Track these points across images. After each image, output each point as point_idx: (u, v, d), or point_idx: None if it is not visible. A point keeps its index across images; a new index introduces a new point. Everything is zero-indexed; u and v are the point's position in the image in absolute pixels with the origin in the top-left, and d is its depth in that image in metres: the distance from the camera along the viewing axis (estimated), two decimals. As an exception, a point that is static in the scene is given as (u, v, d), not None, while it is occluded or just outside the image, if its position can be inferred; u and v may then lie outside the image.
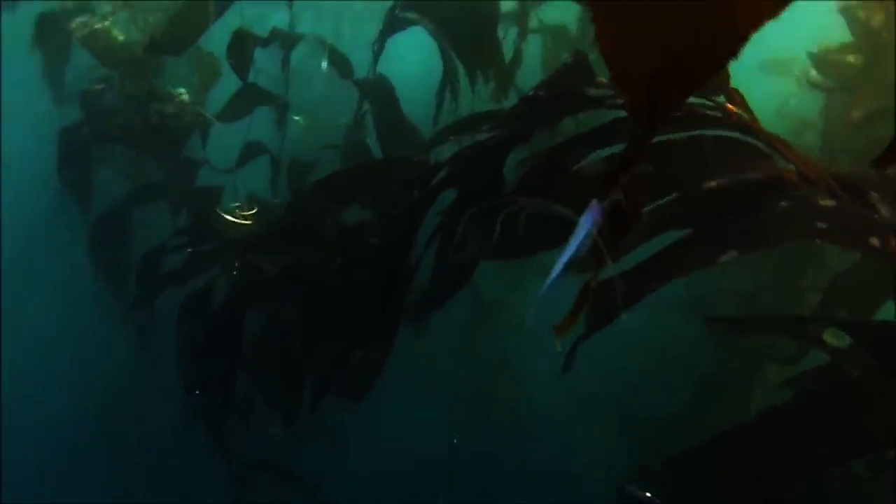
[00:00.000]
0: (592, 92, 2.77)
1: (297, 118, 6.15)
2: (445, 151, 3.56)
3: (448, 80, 5.35)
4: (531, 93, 3.04)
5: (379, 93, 5.19)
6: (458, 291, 3.68)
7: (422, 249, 3.53)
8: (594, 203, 1.71)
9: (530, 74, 5.67)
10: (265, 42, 5.22)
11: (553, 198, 2.80)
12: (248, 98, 5.55)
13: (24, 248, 7.93)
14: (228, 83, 5.88)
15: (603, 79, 2.81)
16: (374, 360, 4.16)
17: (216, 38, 5.92)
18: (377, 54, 5.32)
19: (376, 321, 3.96)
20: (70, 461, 7.42)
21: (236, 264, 4.70)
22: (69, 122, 6.02)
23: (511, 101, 5.47)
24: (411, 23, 5.17)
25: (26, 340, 7.81)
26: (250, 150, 5.51)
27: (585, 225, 1.70)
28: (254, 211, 4.67)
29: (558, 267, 1.71)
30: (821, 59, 5.32)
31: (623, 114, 2.68)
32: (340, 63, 5.63)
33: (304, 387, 4.94)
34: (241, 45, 5.00)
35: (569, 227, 2.39)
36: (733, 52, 1.25)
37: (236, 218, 4.67)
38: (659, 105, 1.37)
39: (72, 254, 6.34)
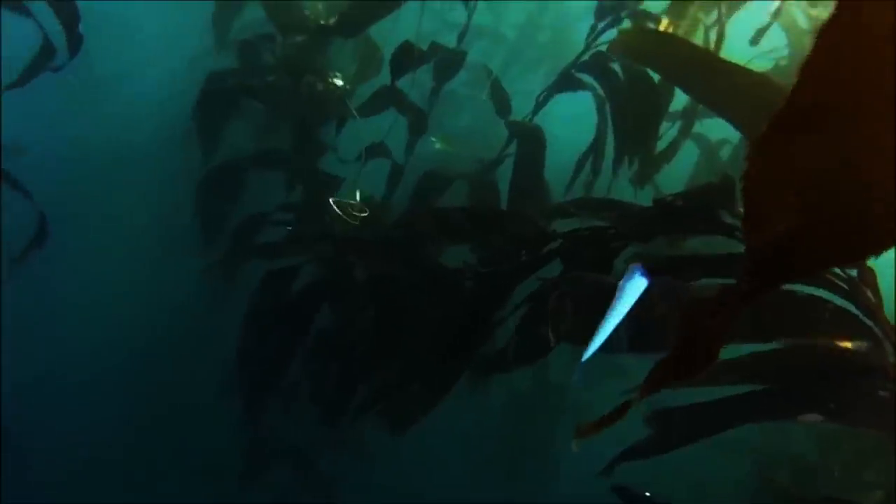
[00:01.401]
0: (729, 219, 2.85)
1: (434, 139, 6.36)
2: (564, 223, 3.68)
3: (595, 150, 5.46)
4: (668, 198, 3.14)
5: (529, 141, 5.33)
6: (530, 364, 3.77)
7: (511, 310, 3.66)
8: (636, 268, 1.72)
9: (674, 176, 5.77)
10: (427, 57, 5.41)
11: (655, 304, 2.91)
12: (387, 98, 5.77)
13: (137, 174, 8.38)
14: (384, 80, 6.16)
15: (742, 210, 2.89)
16: (428, 398, 4.29)
17: (386, 31, 6.22)
18: (540, 105, 5.48)
19: (444, 362, 4.09)
20: (91, 394, 7.76)
21: (330, 258, 4.91)
22: (222, 67, 6.38)
23: (646, 193, 5.59)
24: (582, 86, 5.32)
25: (106, 260, 8.26)
26: (375, 152, 5.70)
27: (628, 298, 1.72)
28: (365, 214, 4.85)
29: (598, 340, 1.76)
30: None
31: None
32: (500, 99, 5.81)
33: (353, 395, 5.13)
34: (405, 56, 5.21)
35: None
36: (882, 245, 1.25)
37: (346, 214, 4.86)
38: (783, 268, 1.37)
39: (178, 195, 6.68)
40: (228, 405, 6.06)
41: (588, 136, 5.60)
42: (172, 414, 7.32)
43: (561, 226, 3.64)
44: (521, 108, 5.76)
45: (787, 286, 2.66)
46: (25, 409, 7.03)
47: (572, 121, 6.21)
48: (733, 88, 3.02)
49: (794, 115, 1.26)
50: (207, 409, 6.72)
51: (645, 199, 6.14)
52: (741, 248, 2.84)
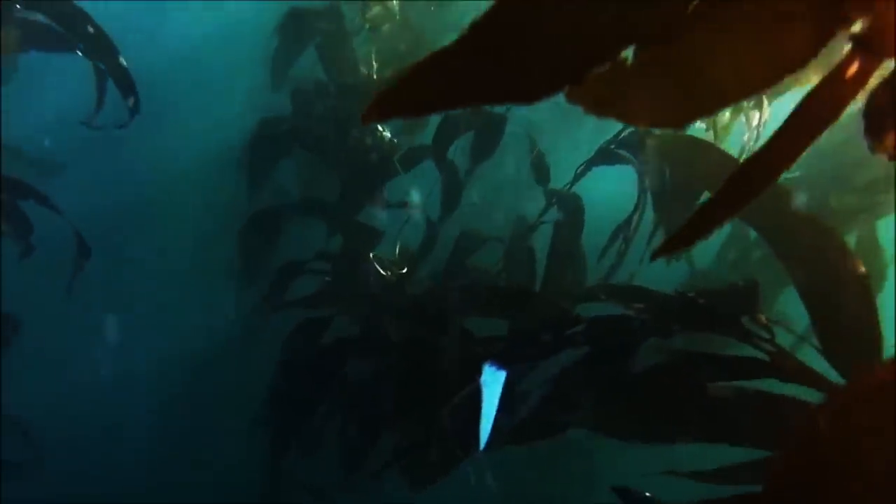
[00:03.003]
0: (751, 326, 2.95)
1: (474, 201, 6.51)
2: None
3: (630, 222, 5.57)
4: (692, 294, 3.25)
5: (568, 209, 5.46)
6: (546, 439, 3.87)
7: (530, 385, 3.78)
8: (490, 366, 1.86)
9: (707, 254, 5.86)
10: (471, 126, 5.57)
11: (669, 398, 3.04)
12: (422, 155, 5.97)
13: (181, 206, 8.62)
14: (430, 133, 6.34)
15: (763, 317, 2.99)
16: (448, 460, 4.41)
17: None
18: (579, 175, 5.61)
19: (466, 427, 4.21)
20: (121, 415, 7.95)
21: (364, 313, 5.07)
22: (274, 113, 6.61)
23: (681, 266, 5.70)
24: (621, 160, 5.44)
25: (144, 289, 8.49)
26: (415, 206, 5.87)
27: (491, 395, 1.87)
28: (403, 270, 4.98)
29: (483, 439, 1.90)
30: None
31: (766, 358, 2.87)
32: (540, 168, 5.95)
33: (374, 447, 5.27)
34: (450, 129, 5.39)
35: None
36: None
37: (385, 269, 4.99)
38: None
39: (221, 231, 6.88)
40: (257, 441, 6.23)
41: (624, 205, 5.71)
42: (200, 445, 7.49)
43: (590, 309, 3.76)
44: (558, 179, 5.91)
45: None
46: (54, 433, 7.20)
47: (610, 189, 6.34)
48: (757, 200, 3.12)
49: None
50: (236, 442, 6.87)
51: (678, 270, 6.27)
52: (758, 354, 2.96)
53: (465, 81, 1.31)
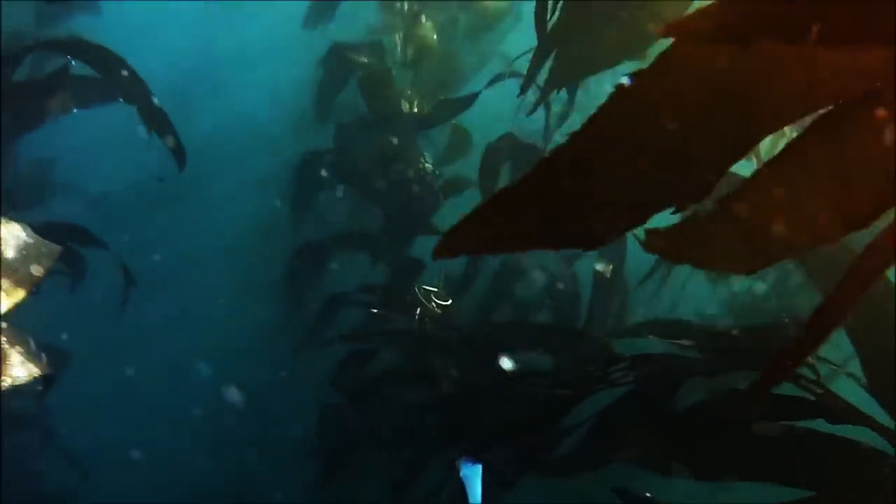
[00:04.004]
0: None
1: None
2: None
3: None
4: (737, 333, 3.26)
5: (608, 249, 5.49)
6: (590, 472, 3.89)
7: (577, 421, 3.80)
8: (464, 461, 1.91)
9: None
10: (511, 155, 5.62)
11: (715, 435, 3.04)
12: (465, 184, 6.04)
13: (239, 239, 8.75)
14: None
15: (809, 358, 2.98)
16: (491, 494, 4.44)
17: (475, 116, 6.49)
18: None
19: (509, 462, 4.25)
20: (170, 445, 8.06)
21: (410, 346, 5.12)
22: (318, 146, 6.72)
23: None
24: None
25: (192, 317, 8.61)
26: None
27: (474, 487, 1.93)
28: (448, 302, 5.01)
29: None
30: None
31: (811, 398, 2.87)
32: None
33: (416, 479, 5.31)
34: (494, 159, 5.44)
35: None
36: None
37: (430, 302, 5.02)
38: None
39: (270, 266, 6.99)
40: (305, 471, 6.31)
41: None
42: (248, 477, 7.57)
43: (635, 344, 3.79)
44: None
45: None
46: (104, 464, 7.31)
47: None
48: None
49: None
50: (284, 473, 6.96)
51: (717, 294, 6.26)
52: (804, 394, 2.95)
53: (528, 224, 1.38)
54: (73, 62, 4.80)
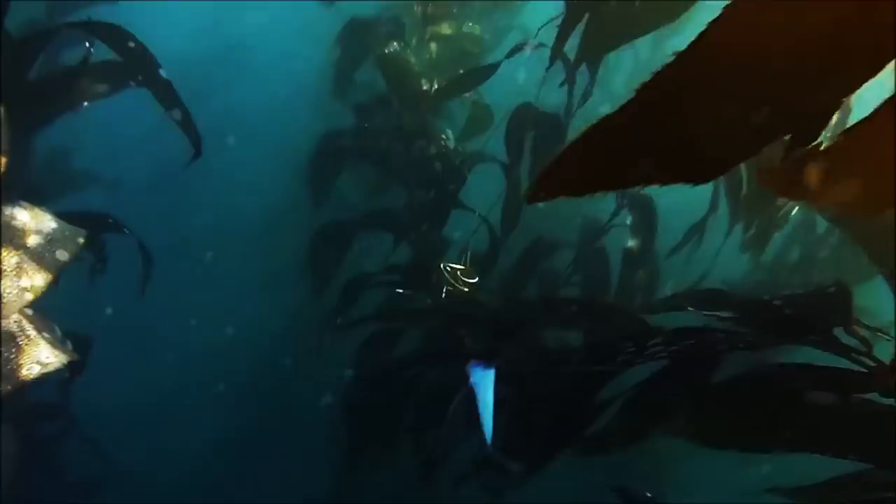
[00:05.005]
0: (844, 338, 2.84)
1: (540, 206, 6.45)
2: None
3: (705, 224, 5.51)
4: (775, 301, 3.15)
5: (640, 211, 5.40)
6: (631, 447, 3.82)
7: (614, 395, 3.73)
8: (474, 366, 1.85)
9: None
10: (535, 127, 5.52)
11: (763, 407, 2.95)
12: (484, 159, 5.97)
13: (250, 222, 8.70)
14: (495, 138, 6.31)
15: (859, 328, 2.88)
16: (525, 470, 4.38)
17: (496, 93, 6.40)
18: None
19: (546, 438, 4.18)
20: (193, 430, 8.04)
21: (438, 324, 5.06)
22: (337, 125, 6.64)
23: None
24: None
25: (215, 301, 8.58)
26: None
27: (485, 393, 1.88)
28: (475, 280, 4.92)
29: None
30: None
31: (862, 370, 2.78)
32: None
33: (449, 455, 5.26)
34: (519, 128, 5.35)
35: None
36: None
37: (456, 280, 4.95)
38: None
39: (291, 246, 6.93)
40: (330, 454, 6.27)
41: (689, 200, 5.65)
42: (272, 461, 7.54)
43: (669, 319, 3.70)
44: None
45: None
46: (128, 450, 7.29)
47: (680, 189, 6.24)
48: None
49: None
50: (308, 457, 6.92)
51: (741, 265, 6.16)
52: (853, 366, 2.85)
53: (631, 157, 1.27)
54: (91, 51, 4.74)
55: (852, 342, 2.84)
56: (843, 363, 2.79)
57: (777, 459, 2.94)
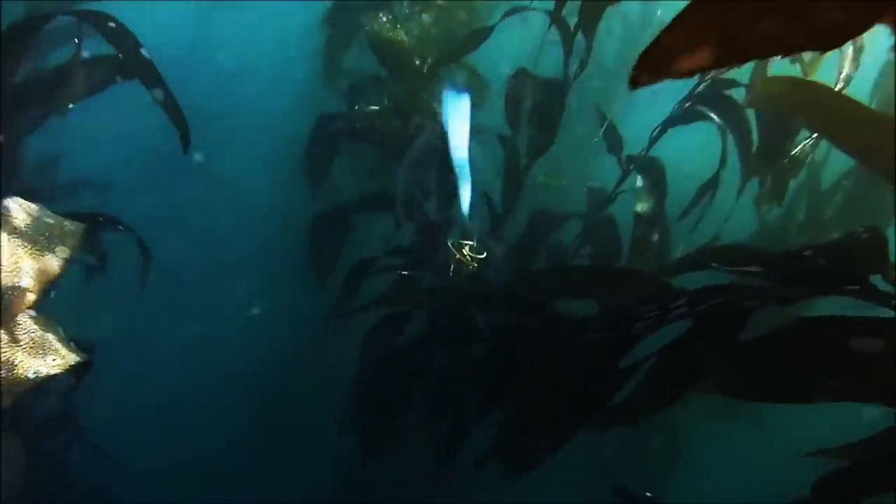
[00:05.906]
0: (881, 284, 2.74)
1: (541, 177, 6.35)
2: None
3: (716, 181, 5.42)
4: (805, 252, 3.05)
5: (649, 174, 5.30)
6: (657, 414, 3.73)
7: (636, 363, 3.63)
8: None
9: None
10: (537, 89, 5.41)
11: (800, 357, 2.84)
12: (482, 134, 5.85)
13: (247, 211, 8.60)
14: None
15: (897, 275, 2.77)
16: (546, 447, 4.28)
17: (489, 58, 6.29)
18: (655, 138, 5.44)
19: (566, 413, 4.09)
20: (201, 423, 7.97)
21: (448, 304, 4.96)
22: (331, 109, 6.53)
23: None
24: (699, 118, 5.28)
25: (218, 294, 8.49)
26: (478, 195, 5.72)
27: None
28: (482, 255, 4.84)
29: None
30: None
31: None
32: (612, 137, 5.76)
33: (466, 438, 5.17)
34: (517, 94, 5.24)
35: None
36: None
37: (463, 257, 4.86)
38: None
39: (290, 233, 6.84)
40: (342, 442, 6.20)
41: (694, 160, 5.57)
42: (284, 452, 7.48)
43: (689, 279, 3.61)
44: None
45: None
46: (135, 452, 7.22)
47: (688, 147, 6.17)
48: (884, 141, 2.93)
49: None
50: (321, 446, 6.85)
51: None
52: (891, 314, 2.75)
53: (749, 22, 1.10)
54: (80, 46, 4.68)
55: (890, 290, 2.75)
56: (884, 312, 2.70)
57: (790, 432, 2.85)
